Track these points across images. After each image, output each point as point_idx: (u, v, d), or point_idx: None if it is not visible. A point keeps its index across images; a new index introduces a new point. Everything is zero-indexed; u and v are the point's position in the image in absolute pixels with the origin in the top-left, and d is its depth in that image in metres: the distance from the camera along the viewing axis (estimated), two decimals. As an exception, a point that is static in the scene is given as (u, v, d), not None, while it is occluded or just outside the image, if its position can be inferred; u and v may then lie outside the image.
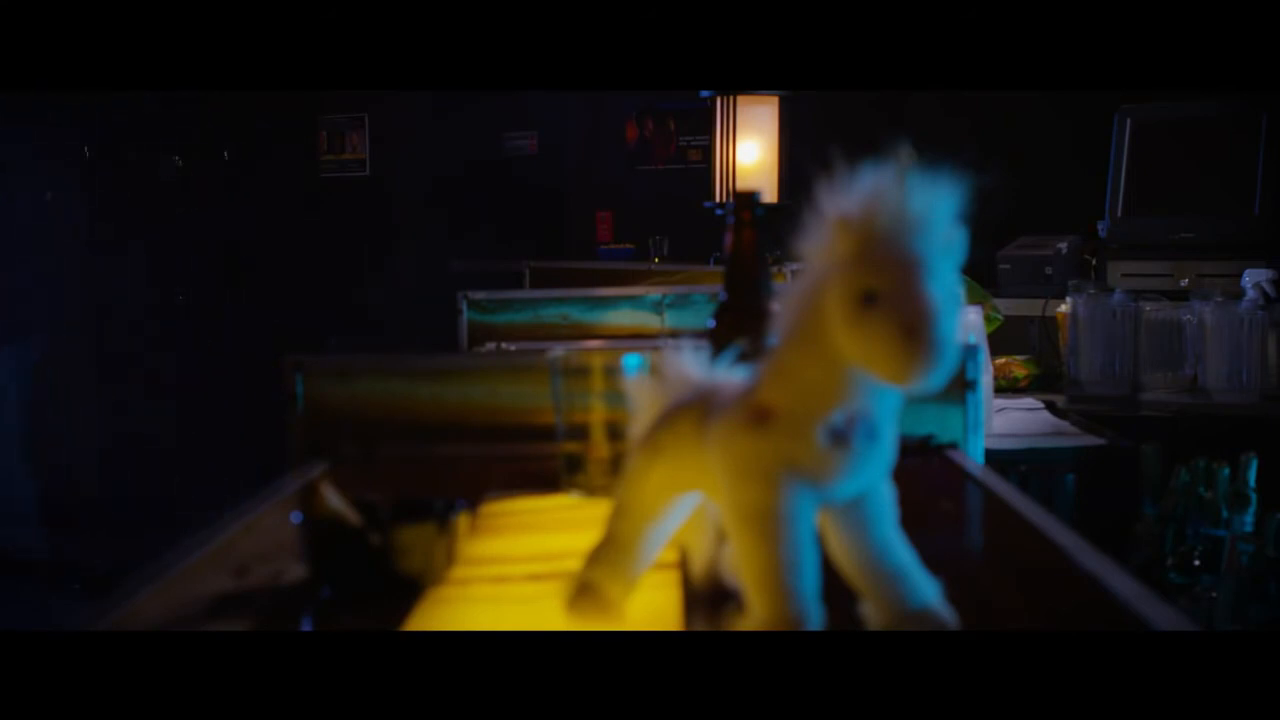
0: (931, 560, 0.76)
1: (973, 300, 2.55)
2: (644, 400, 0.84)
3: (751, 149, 4.18)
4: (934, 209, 0.66)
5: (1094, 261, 3.44)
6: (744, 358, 0.81)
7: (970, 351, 1.39)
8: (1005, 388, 2.91)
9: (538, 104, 5.59)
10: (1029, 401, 2.76)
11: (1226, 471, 1.99)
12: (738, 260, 1.08)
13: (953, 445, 1.40)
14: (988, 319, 2.64)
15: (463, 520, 0.93)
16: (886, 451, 0.71)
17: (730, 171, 4.16)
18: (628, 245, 4.98)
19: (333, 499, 0.90)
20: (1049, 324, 3.12)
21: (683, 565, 0.90)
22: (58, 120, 5.56)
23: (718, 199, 4.21)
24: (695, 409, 0.77)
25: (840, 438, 0.69)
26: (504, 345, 2.12)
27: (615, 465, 1.11)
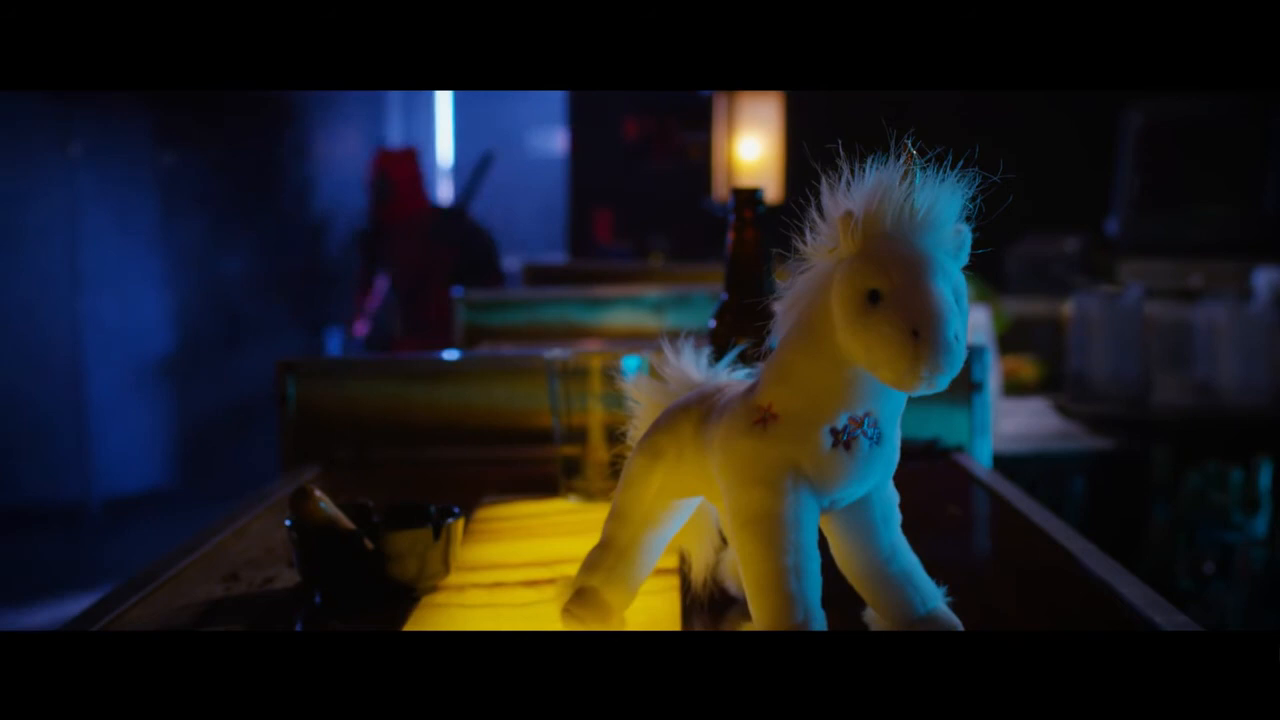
0: (937, 565, 0.74)
1: (980, 300, 2.53)
2: (643, 402, 0.83)
3: (753, 145, 4.17)
4: (940, 207, 0.65)
5: (1103, 261, 3.42)
6: (745, 358, 0.79)
7: (977, 352, 1.37)
8: (1013, 389, 2.89)
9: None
10: (1037, 403, 2.74)
11: (1239, 475, 1.97)
12: (739, 259, 1.06)
13: (959, 448, 1.39)
14: (995, 319, 2.62)
15: (458, 525, 0.91)
16: (891, 454, 0.70)
17: (731, 168, 4.15)
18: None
19: (325, 504, 0.88)
20: (1057, 324, 3.10)
21: (683, 570, 0.89)
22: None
23: (718, 197, 4.20)
24: (695, 411, 0.75)
25: (844, 440, 0.68)
26: (501, 346, 2.10)
27: (614, 468, 1.10)
